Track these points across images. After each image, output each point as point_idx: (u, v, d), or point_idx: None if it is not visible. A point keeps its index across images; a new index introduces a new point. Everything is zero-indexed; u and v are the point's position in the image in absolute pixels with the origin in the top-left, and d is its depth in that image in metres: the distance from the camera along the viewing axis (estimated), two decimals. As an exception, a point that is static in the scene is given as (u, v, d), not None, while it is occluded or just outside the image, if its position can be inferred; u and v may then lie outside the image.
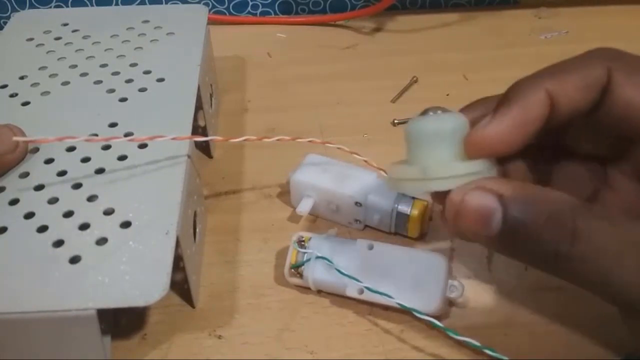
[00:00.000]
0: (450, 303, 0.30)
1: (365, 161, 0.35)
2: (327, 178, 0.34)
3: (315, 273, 0.30)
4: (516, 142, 0.24)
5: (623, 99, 0.23)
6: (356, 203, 0.33)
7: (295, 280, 0.31)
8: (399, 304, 0.28)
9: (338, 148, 0.35)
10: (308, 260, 0.30)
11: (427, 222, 0.34)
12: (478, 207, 0.22)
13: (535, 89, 0.24)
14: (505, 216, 0.21)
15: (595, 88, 0.24)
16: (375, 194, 0.33)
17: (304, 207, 0.34)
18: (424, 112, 0.25)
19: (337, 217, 0.35)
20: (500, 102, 0.24)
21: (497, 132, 0.24)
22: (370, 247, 0.31)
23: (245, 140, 0.34)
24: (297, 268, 0.31)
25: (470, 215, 0.22)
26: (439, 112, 0.25)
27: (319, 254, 0.30)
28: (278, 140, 0.34)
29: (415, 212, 0.32)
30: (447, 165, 0.24)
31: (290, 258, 0.31)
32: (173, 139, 0.31)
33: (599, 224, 0.21)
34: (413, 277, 0.29)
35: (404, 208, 0.33)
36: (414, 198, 0.33)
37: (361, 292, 0.29)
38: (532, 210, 0.21)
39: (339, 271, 0.29)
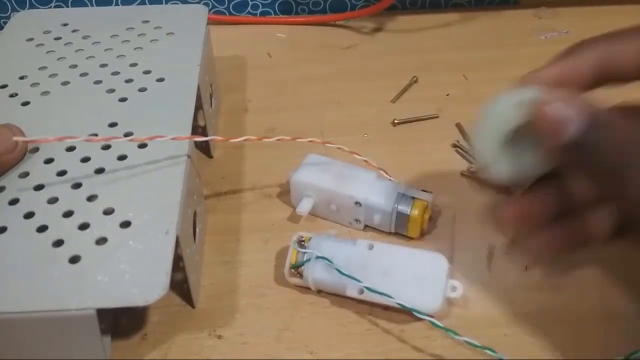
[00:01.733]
0: (450, 303, 0.30)
1: (365, 161, 0.35)
2: (327, 178, 0.34)
3: (315, 273, 0.30)
4: (565, 85, 0.26)
5: None
6: (356, 203, 0.33)
7: (295, 280, 0.31)
8: (399, 304, 0.28)
9: (338, 148, 0.35)
10: (308, 260, 0.30)
11: (427, 222, 0.34)
12: (557, 116, 0.23)
13: (589, 48, 0.26)
14: (582, 134, 0.23)
15: None
16: (375, 194, 0.33)
17: (304, 207, 0.34)
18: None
19: (337, 217, 0.35)
20: (561, 54, 0.27)
21: (547, 75, 0.27)
22: (370, 247, 0.31)
23: (245, 140, 0.34)
24: (297, 268, 0.31)
25: (549, 123, 0.24)
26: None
27: (319, 254, 0.30)
28: (278, 140, 0.34)
29: (415, 212, 0.32)
30: None
31: (290, 258, 0.31)
32: (173, 139, 0.31)
33: None
34: (413, 277, 0.29)
35: (404, 208, 0.33)
36: (414, 198, 0.33)
37: (361, 292, 0.29)
38: (609, 135, 0.23)
39: (339, 271, 0.29)
